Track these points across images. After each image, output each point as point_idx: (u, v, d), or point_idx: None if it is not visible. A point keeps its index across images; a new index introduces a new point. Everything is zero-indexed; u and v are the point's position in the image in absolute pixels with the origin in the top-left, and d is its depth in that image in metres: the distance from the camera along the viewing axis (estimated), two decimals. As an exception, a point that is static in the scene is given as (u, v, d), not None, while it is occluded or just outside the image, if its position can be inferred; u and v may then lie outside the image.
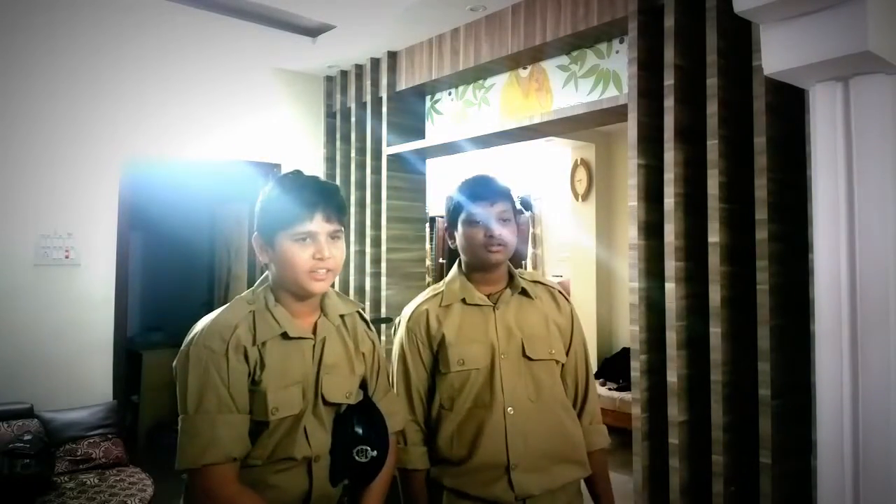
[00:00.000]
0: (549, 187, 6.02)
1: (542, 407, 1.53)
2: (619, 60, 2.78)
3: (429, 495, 1.56)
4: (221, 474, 1.20)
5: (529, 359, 1.54)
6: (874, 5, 1.23)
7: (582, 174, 5.59)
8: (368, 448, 1.35)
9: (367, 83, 3.92)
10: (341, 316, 1.42)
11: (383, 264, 3.78)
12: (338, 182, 4.06)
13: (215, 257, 5.44)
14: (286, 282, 1.31)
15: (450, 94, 3.75)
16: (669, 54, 2.35)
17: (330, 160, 4.28)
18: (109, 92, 3.47)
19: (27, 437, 2.79)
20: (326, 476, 1.33)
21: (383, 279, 3.77)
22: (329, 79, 4.30)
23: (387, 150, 3.79)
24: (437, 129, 3.82)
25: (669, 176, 2.33)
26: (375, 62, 3.89)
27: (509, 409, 1.50)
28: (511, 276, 1.62)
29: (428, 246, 5.58)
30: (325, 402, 1.33)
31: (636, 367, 2.41)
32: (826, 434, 1.37)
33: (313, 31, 3.51)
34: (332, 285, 1.39)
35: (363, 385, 1.42)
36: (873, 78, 1.31)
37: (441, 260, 5.93)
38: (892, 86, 1.31)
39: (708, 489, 2.23)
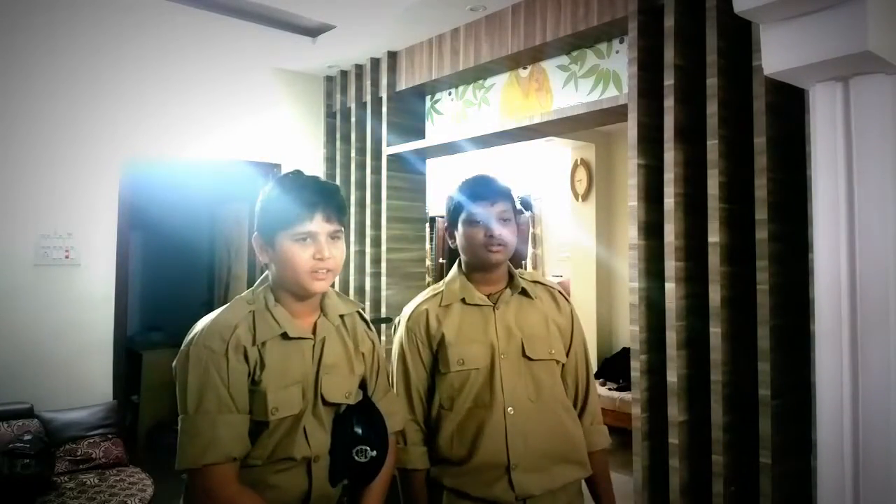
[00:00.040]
0: (549, 187, 6.02)
1: (542, 407, 1.53)
2: (619, 60, 2.78)
3: (429, 495, 1.56)
4: (221, 474, 1.20)
5: (529, 359, 1.54)
6: (874, 5, 1.23)
7: (582, 174, 5.59)
8: (368, 448, 1.35)
9: (367, 83, 3.92)
10: (341, 316, 1.42)
11: (383, 264, 3.78)
12: (338, 182, 4.06)
13: (215, 257, 5.44)
14: (286, 282, 1.32)
15: (450, 94, 3.75)
16: (669, 54, 2.35)
17: (330, 160, 4.28)
18: (109, 92, 3.47)
19: (27, 437, 2.79)
20: (326, 476, 1.33)
21: (383, 279, 3.77)
22: (329, 79, 4.30)
23: (387, 150, 3.79)
24: (437, 129, 3.82)
25: (669, 176, 2.33)
26: (375, 62, 3.89)
27: (509, 409, 1.50)
28: (511, 276, 1.62)
29: (428, 246, 5.57)
30: (325, 402, 1.33)
31: (636, 366, 2.41)
32: (826, 434, 1.37)
33: (313, 31, 3.51)
34: (332, 285, 1.39)
35: (363, 385, 1.42)
36: (873, 78, 1.31)
37: (441, 260, 5.93)
38: (892, 86, 1.31)
39: (708, 489, 2.23)
